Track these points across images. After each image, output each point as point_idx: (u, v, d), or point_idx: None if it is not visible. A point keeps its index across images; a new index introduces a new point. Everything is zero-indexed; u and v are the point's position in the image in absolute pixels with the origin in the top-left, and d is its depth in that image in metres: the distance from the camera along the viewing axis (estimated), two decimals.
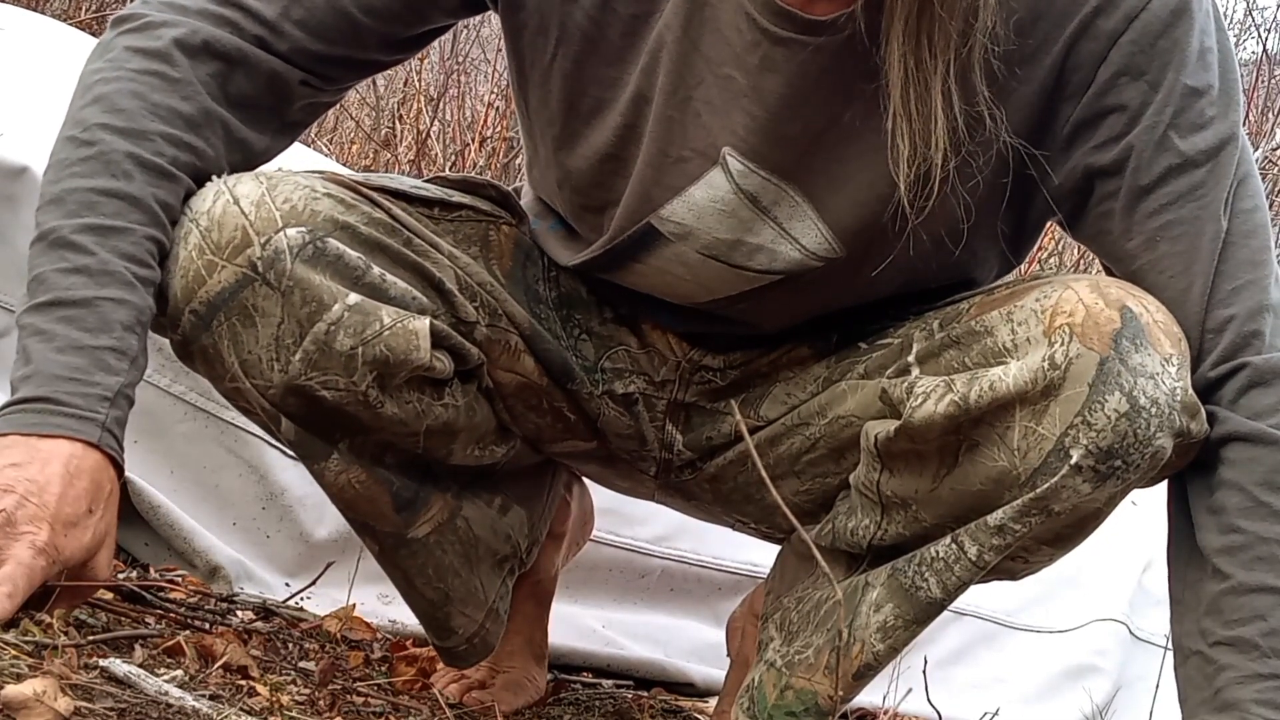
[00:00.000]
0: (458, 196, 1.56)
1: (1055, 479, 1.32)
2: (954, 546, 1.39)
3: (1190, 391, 1.33)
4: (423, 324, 1.42)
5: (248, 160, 1.44)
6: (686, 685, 2.09)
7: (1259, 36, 5.31)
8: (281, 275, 1.37)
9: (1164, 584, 2.18)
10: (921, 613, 1.43)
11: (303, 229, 1.38)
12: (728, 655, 1.77)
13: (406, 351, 1.41)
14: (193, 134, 1.38)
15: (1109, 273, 1.44)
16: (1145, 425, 1.29)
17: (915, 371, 1.42)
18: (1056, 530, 1.39)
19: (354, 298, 1.39)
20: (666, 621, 2.14)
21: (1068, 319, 1.32)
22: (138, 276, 1.33)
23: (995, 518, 1.36)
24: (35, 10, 3.26)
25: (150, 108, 1.37)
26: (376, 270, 1.41)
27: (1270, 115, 5.14)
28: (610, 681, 2.02)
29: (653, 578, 2.10)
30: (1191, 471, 1.39)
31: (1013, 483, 1.34)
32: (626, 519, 2.08)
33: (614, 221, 1.47)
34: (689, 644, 2.12)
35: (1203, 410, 1.35)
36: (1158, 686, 2.19)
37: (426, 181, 1.57)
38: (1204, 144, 1.37)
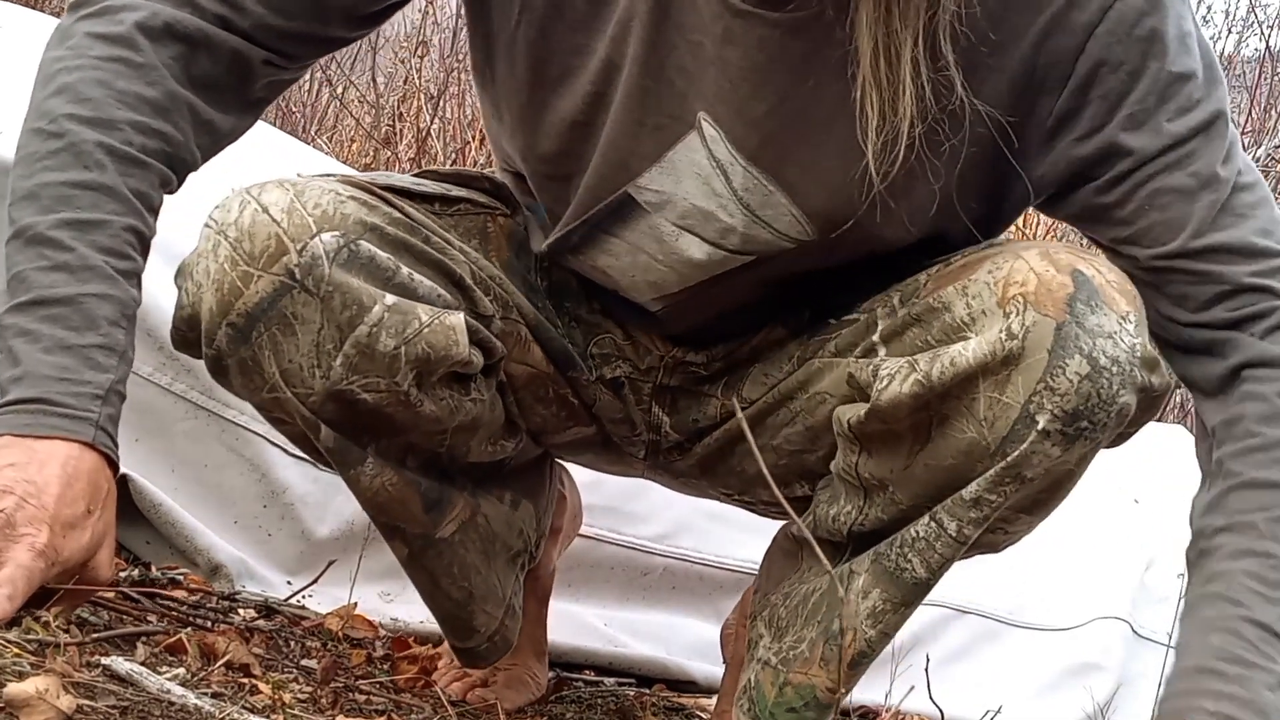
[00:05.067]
0: (455, 190, 1.56)
1: (1024, 446, 1.33)
2: (933, 524, 1.40)
3: (1149, 346, 1.34)
4: (459, 319, 1.43)
5: (215, 142, 1.43)
6: (688, 683, 2.09)
7: (1262, 33, 5.30)
8: (320, 281, 1.36)
9: (1166, 581, 2.17)
10: (909, 594, 1.43)
11: (336, 233, 1.38)
12: (723, 660, 1.77)
13: (446, 347, 1.41)
14: (161, 119, 1.36)
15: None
16: (1108, 384, 1.31)
17: (882, 352, 1.43)
18: (1032, 496, 1.39)
19: (391, 298, 1.39)
20: (668, 619, 2.14)
21: (1020, 289, 1.33)
22: (119, 270, 1.32)
23: (970, 490, 1.37)
24: (34, 8, 3.25)
25: (117, 95, 1.35)
26: (405, 270, 1.41)
27: (1273, 113, 5.13)
28: (612, 679, 2.02)
29: (655, 575, 2.10)
30: (1212, 401, 1.41)
31: (983, 454, 1.35)
32: (629, 517, 2.08)
33: (581, 191, 1.47)
34: (691, 642, 2.12)
35: (1163, 364, 1.36)
36: (1159, 684, 2.19)
37: (420, 177, 1.57)
38: (1193, 122, 1.36)
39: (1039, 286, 1.32)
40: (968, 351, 1.34)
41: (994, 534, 1.44)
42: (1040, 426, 1.32)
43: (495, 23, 1.45)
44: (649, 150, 1.42)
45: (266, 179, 1.41)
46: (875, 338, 1.45)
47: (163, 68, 1.37)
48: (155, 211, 1.37)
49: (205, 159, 1.42)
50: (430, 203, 1.53)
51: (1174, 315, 1.40)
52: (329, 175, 1.46)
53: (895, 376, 1.38)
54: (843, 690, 1.50)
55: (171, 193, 1.40)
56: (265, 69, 1.43)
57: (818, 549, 1.34)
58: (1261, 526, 1.33)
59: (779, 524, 1.66)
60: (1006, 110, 1.37)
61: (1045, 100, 1.37)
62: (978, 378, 1.34)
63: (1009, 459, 1.34)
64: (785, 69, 1.36)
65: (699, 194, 1.43)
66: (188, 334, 1.40)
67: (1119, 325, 1.31)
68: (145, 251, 1.36)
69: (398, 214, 1.45)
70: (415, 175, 1.58)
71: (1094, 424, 1.32)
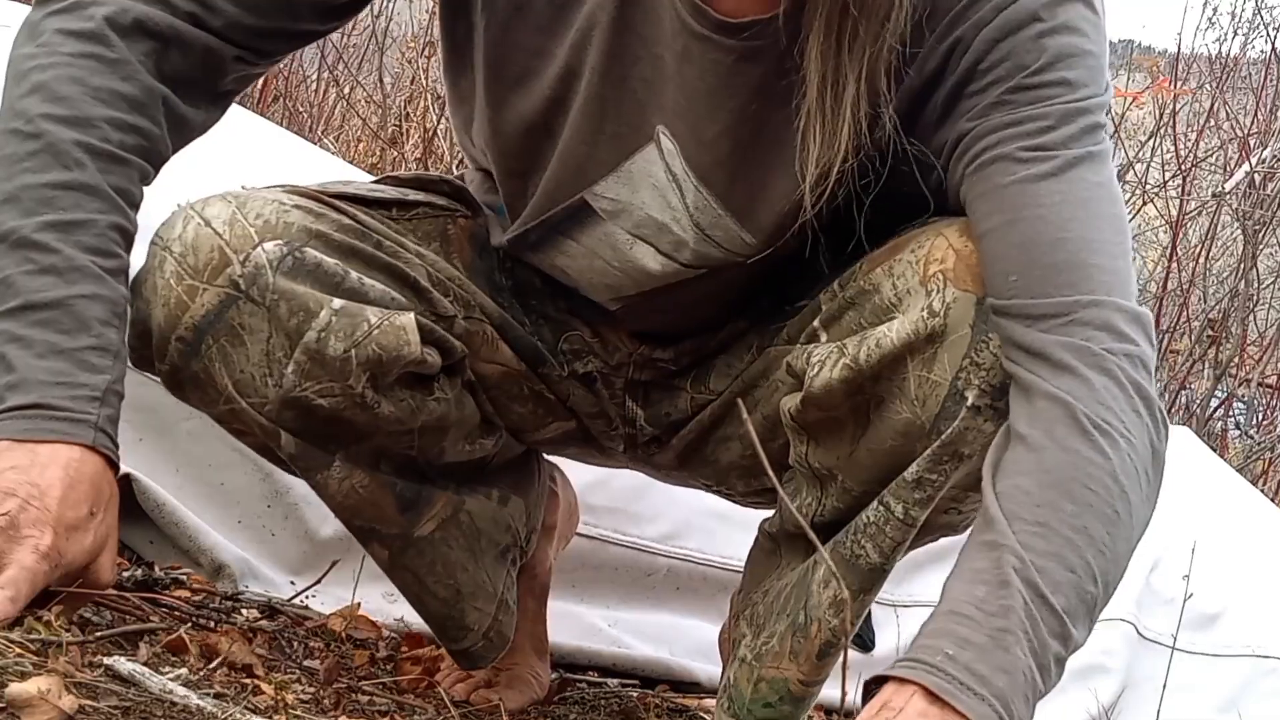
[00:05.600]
0: (413, 195, 1.57)
1: (957, 423, 1.35)
2: (881, 509, 1.42)
3: None
4: (409, 318, 1.43)
5: (186, 136, 1.43)
6: (692, 684, 2.09)
7: (1268, 36, 5.29)
8: (265, 290, 1.37)
9: (1171, 584, 2.18)
10: (866, 580, 1.46)
11: (279, 242, 1.39)
12: (722, 668, 1.77)
13: (398, 347, 1.42)
14: (137, 115, 1.36)
15: None
16: None
17: (823, 337, 1.45)
18: (975, 474, 1.38)
19: (338, 302, 1.40)
20: (672, 620, 2.14)
21: (940, 266, 1.35)
22: (106, 268, 1.32)
23: (911, 472, 1.39)
24: None
25: (92, 93, 1.34)
26: (354, 274, 1.42)
27: (1278, 115, 5.12)
28: (616, 680, 2.02)
29: (658, 576, 2.09)
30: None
31: (919, 433, 1.37)
32: (633, 518, 2.08)
33: (539, 191, 1.48)
34: (694, 643, 2.12)
35: None
36: (1164, 687, 2.19)
37: (378, 183, 1.59)
38: (1065, 133, 1.33)
39: (957, 263, 1.35)
40: (891, 332, 1.37)
41: (948, 514, 1.46)
42: (970, 402, 1.34)
43: (462, 16, 1.45)
44: (606, 158, 1.44)
45: (210, 193, 1.42)
46: (816, 323, 1.47)
47: (135, 63, 1.36)
48: (136, 207, 1.37)
49: (176, 151, 1.42)
50: (386, 208, 1.54)
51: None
52: (276, 186, 1.47)
53: (825, 363, 1.40)
54: (814, 682, 1.51)
55: (148, 185, 1.39)
56: (236, 65, 1.43)
57: (815, 538, 1.34)
58: (1036, 488, 1.28)
59: None
60: (909, 107, 1.37)
61: (936, 94, 1.37)
62: (905, 358, 1.36)
63: (944, 437, 1.36)
64: (738, 93, 1.38)
65: (655, 205, 1.45)
66: (142, 351, 1.41)
67: None
68: (130, 248, 1.36)
69: (347, 220, 1.46)
70: (374, 181, 1.59)
71: None
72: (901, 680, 1.20)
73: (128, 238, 1.35)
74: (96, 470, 1.28)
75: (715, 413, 1.59)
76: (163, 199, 1.95)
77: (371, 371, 1.41)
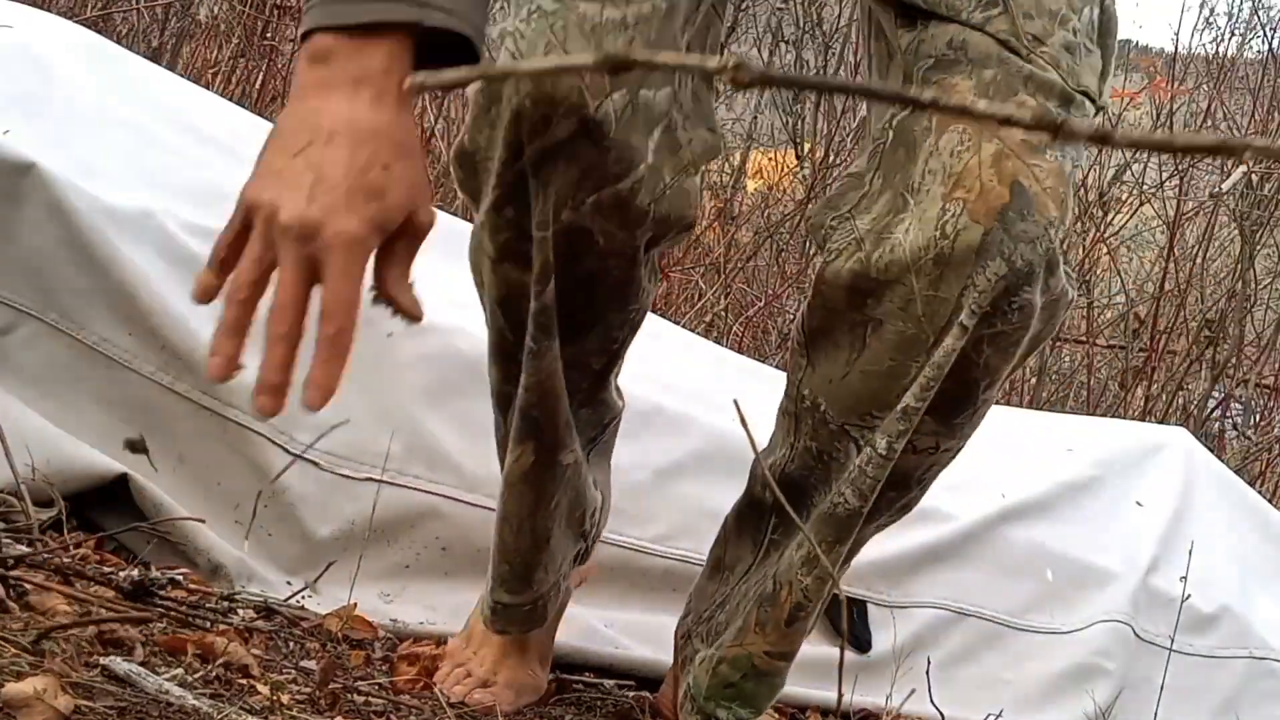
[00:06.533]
0: None
1: (950, 342, 1.41)
2: (868, 450, 1.46)
3: (1058, 250, 1.42)
4: (694, 183, 1.45)
5: None
6: None
7: (1265, 36, 5.29)
8: (606, 133, 1.36)
9: (1169, 585, 2.18)
10: (841, 529, 1.48)
11: (624, 90, 1.37)
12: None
13: (684, 209, 1.44)
14: None
15: None
16: (1020, 287, 1.40)
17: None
18: (936, 402, 1.45)
19: (652, 157, 1.40)
20: (669, 621, 2.13)
21: (965, 193, 1.40)
22: None
23: (899, 403, 1.44)
24: (41, 7, 3.25)
25: None
26: (677, 118, 1.43)
27: (1276, 115, 5.12)
28: (612, 681, 2.02)
29: (655, 577, 2.09)
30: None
31: (921, 348, 1.43)
32: (630, 518, 2.07)
33: None
34: None
35: (1061, 267, 1.43)
36: (1162, 688, 2.19)
37: None
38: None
39: (979, 197, 1.40)
40: (906, 240, 1.42)
41: (905, 456, 1.48)
42: (961, 321, 1.40)
43: None
44: None
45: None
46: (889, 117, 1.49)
47: None
48: None
49: None
50: None
51: None
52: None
53: (843, 252, 1.45)
54: (781, 655, 1.51)
55: None
56: None
57: (792, 512, 1.38)
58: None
59: None
60: None
61: None
62: (909, 276, 1.42)
63: (935, 358, 1.41)
64: None
65: None
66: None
67: (1042, 231, 1.40)
68: None
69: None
70: None
71: (1008, 326, 1.41)
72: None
73: None
74: (389, 120, 1.19)
75: None
76: (162, 200, 1.95)
77: (654, 232, 1.44)
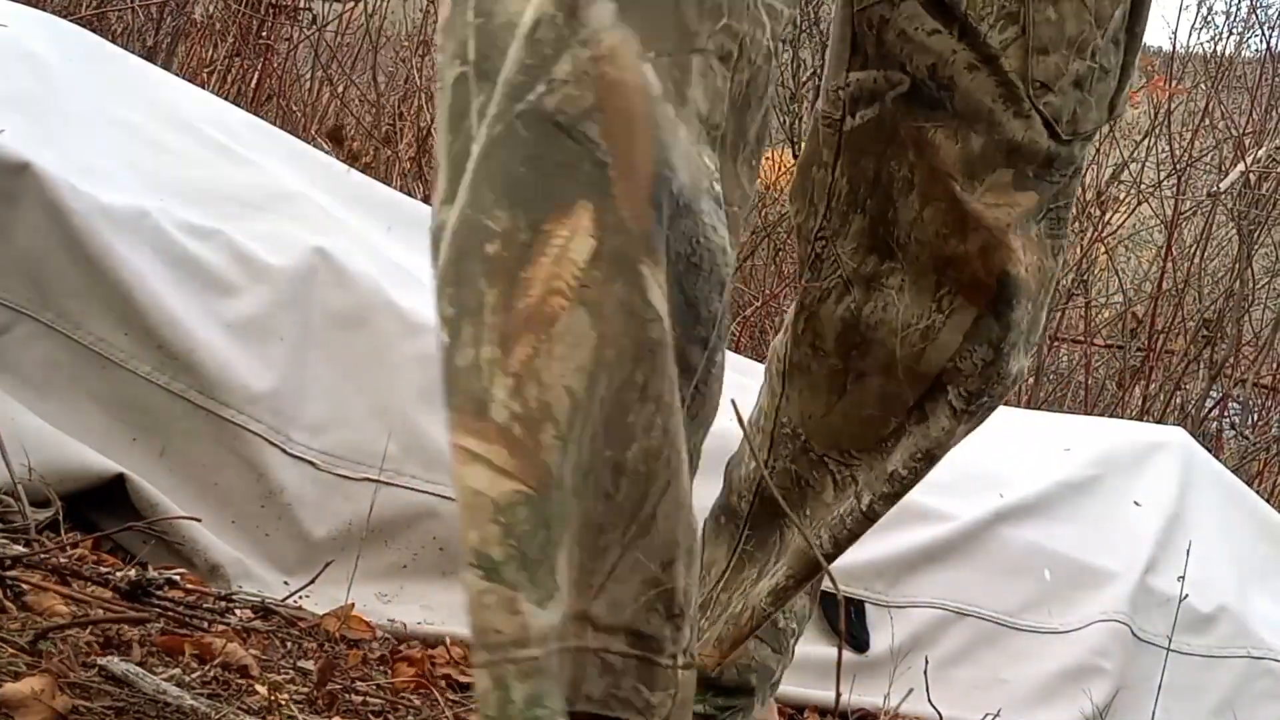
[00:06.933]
0: None
1: (947, 424, 1.44)
2: (850, 502, 1.48)
3: (1038, 326, 1.45)
4: None
5: None
6: None
7: (1263, 35, 5.30)
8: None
9: (1167, 585, 2.17)
10: (813, 569, 1.50)
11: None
12: None
13: None
14: None
15: None
16: (1004, 365, 1.42)
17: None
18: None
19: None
20: None
21: (956, 274, 1.41)
22: None
23: (892, 462, 1.46)
24: (36, 6, 3.25)
25: None
26: None
27: (1274, 114, 5.13)
28: None
29: None
30: None
31: (901, 406, 1.45)
32: None
33: None
34: None
35: (1034, 340, 1.47)
36: (1159, 688, 2.19)
37: None
38: None
39: (970, 284, 1.41)
40: (900, 304, 1.43)
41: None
42: (951, 402, 1.43)
43: None
44: None
45: None
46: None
47: None
48: None
49: None
50: None
51: None
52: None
53: (833, 293, 1.47)
54: (722, 664, 1.54)
55: None
56: None
57: (796, 519, 1.36)
58: None
59: None
60: None
61: None
62: (897, 337, 1.44)
63: (931, 435, 1.44)
64: None
65: None
66: None
67: (1026, 311, 1.42)
68: None
69: None
70: None
71: (992, 398, 1.44)
72: None
73: None
74: None
75: None
76: (157, 199, 1.95)
77: None
